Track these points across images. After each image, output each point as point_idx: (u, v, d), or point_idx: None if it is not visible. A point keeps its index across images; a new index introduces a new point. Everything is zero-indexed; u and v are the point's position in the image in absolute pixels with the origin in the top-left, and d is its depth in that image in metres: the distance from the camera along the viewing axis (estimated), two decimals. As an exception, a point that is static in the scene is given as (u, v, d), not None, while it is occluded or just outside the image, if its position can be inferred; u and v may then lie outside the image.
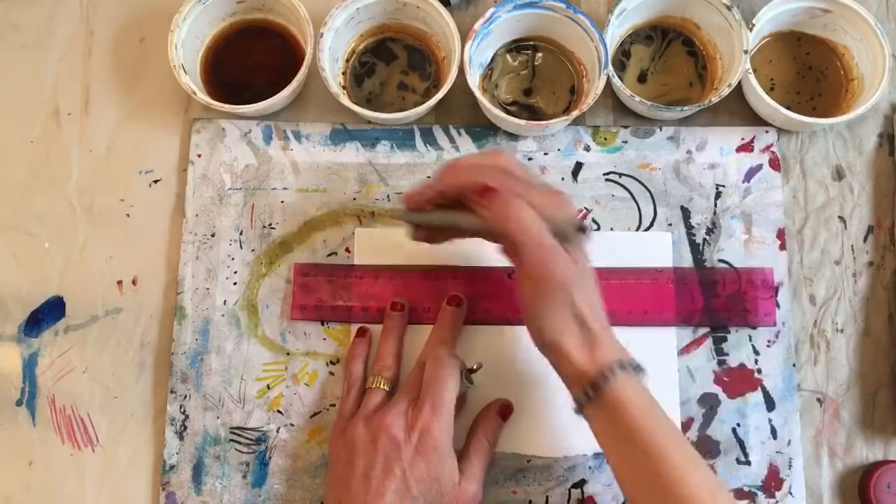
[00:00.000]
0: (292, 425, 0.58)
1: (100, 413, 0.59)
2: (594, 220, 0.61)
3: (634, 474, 0.48)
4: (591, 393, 0.48)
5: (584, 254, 0.50)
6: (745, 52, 0.59)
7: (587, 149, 0.63)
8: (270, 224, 0.61)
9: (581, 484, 0.57)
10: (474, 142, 0.63)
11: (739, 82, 0.61)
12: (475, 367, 0.55)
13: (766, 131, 0.63)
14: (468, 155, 0.54)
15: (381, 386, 0.55)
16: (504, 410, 0.56)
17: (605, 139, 0.63)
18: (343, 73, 0.64)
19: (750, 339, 0.59)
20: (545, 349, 0.50)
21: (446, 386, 0.52)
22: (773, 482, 0.57)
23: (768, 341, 0.59)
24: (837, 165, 0.63)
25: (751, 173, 0.62)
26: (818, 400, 0.59)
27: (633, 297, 0.60)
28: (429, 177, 0.62)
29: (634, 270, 0.60)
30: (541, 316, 0.49)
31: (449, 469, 0.51)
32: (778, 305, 0.60)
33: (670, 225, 0.61)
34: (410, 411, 0.52)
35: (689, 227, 0.61)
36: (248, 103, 0.59)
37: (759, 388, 0.59)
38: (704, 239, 0.61)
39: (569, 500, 0.57)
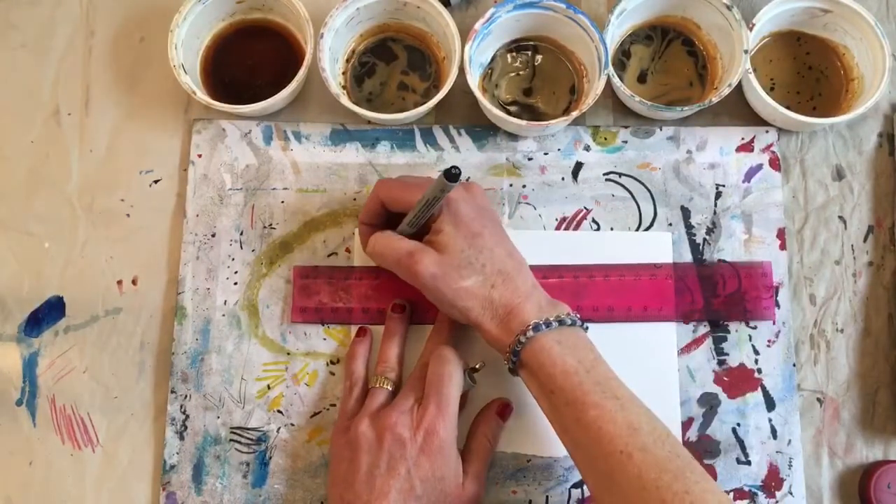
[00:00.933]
0: (293, 425, 0.58)
1: (100, 413, 0.59)
2: (594, 220, 0.61)
3: (562, 425, 0.49)
4: (514, 359, 0.51)
5: (456, 227, 0.52)
6: (746, 51, 0.59)
7: (587, 149, 0.63)
8: (271, 224, 0.61)
9: (581, 484, 0.57)
10: (474, 142, 0.63)
11: (739, 82, 0.61)
12: (478, 365, 0.55)
13: (766, 131, 0.63)
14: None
15: (385, 386, 0.55)
16: (503, 410, 0.56)
17: (605, 139, 0.63)
18: (343, 73, 0.64)
19: (750, 339, 0.59)
20: (476, 331, 0.53)
21: (451, 384, 0.52)
22: (773, 482, 0.57)
23: (768, 341, 0.59)
24: (837, 165, 0.63)
25: (751, 173, 0.62)
26: (818, 400, 0.59)
27: (632, 293, 0.60)
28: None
29: (633, 266, 0.60)
30: (444, 308, 0.53)
31: (453, 469, 0.51)
32: (778, 305, 0.60)
33: (670, 225, 0.61)
34: (415, 410, 0.52)
35: (689, 227, 0.61)
36: (248, 103, 0.59)
37: (759, 388, 0.59)
38: (704, 239, 0.61)
39: (569, 500, 0.57)
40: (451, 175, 0.47)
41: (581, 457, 0.49)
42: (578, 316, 0.52)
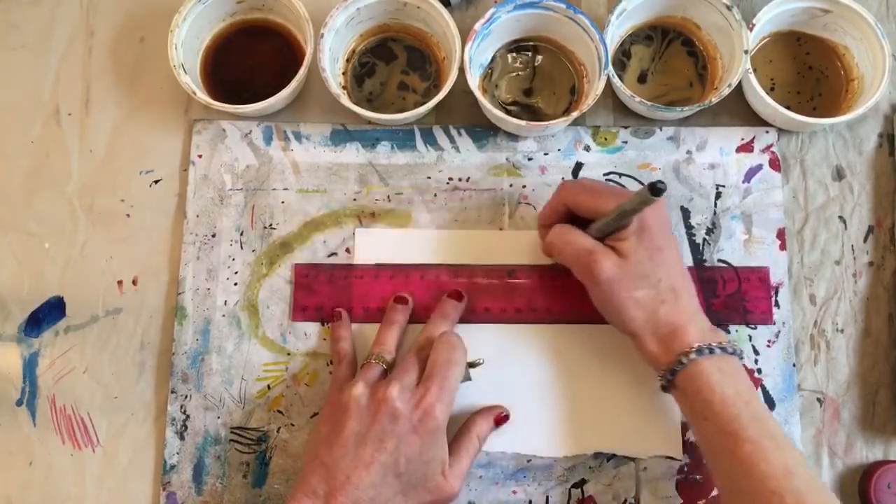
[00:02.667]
0: (293, 425, 0.58)
1: (100, 413, 0.59)
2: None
3: (713, 451, 0.50)
4: (669, 378, 0.51)
5: (641, 239, 0.51)
6: (746, 52, 0.59)
7: (587, 149, 0.63)
8: (271, 224, 0.61)
9: (581, 484, 0.57)
10: (474, 142, 0.63)
11: (739, 82, 0.61)
12: (477, 361, 0.55)
13: (767, 131, 0.63)
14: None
15: (380, 363, 0.54)
16: (501, 420, 0.56)
17: (606, 139, 0.63)
18: (343, 74, 0.64)
19: (750, 339, 0.59)
20: (631, 342, 0.53)
21: (455, 371, 0.52)
22: (773, 482, 0.57)
23: (768, 341, 0.59)
24: (837, 165, 0.63)
25: (751, 173, 0.62)
26: (818, 400, 0.59)
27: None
28: (452, 179, 0.62)
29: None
30: (610, 316, 0.53)
31: (440, 455, 0.51)
32: (778, 305, 0.60)
33: (670, 225, 0.61)
34: (417, 388, 0.51)
35: (689, 227, 0.61)
36: (248, 103, 0.59)
37: (759, 388, 0.59)
38: (704, 239, 0.61)
39: (569, 500, 0.57)
40: (656, 189, 0.46)
41: (727, 485, 0.49)
42: (737, 346, 0.51)
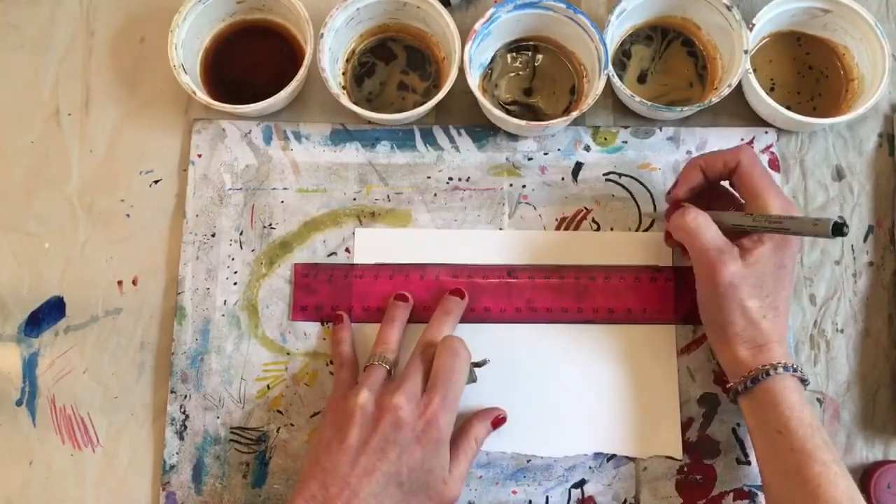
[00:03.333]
0: (292, 425, 0.58)
1: (100, 413, 0.59)
2: (594, 221, 0.61)
3: (778, 468, 0.50)
4: (749, 385, 0.51)
5: (776, 253, 0.52)
6: (745, 52, 0.59)
7: (587, 149, 0.63)
8: (270, 224, 0.61)
9: (581, 484, 0.57)
10: (474, 142, 0.63)
11: (739, 82, 0.61)
12: (483, 361, 0.55)
13: (766, 132, 0.63)
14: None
15: (383, 364, 0.54)
16: (499, 422, 0.56)
17: (606, 139, 0.63)
18: (343, 74, 0.64)
19: (750, 339, 0.59)
20: (714, 342, 0.54)
21: (460, 378, 0.52)
22: (773, 482, 0.57)
23: (768, 341, 0.59)
24: (837, 165, 0.63)
25: (751, 173, 0.62)
26: (818, 400, 0.59)
27: (632, 295, 0.60)
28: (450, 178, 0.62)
29: (634, 269, 0.60)
30: (711, 314, 0.53)
31: (442, 463, 0.50)
32: (778, 305, 0.60)
33: (670, 225, 0.61)
34: (422, 397, 0.51)
35: (689, 227, 0.61)
36: (248, 103, 0.59)
37: (759, 388, 0.59)
38: (704, 239, 0.61)
39: (569, 500, 0.57)
40: (838, 229, 0.46)
41: (786, 498, 0.50)
42: (808, 378, 0.53)
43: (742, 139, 0.63)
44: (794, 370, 0.51)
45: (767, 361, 0.51)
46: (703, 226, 0.52)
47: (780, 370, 0.51)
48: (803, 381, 0.52)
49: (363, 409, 0.50)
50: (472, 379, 0.55)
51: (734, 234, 0.53)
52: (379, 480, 0.48)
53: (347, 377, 0.55)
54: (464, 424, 0.55)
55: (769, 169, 0.62)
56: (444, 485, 0.50)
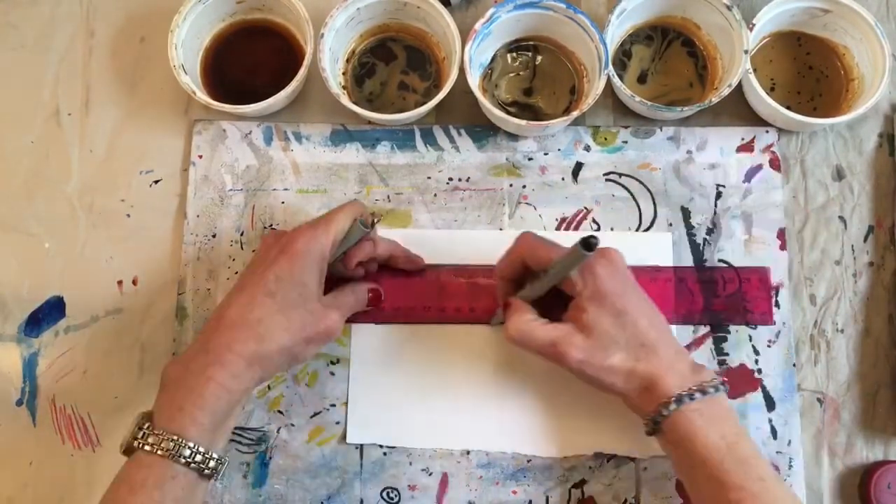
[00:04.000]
0: (293, 425, 0.58)
1: (100, 413, 0.59)
2: (594, 221, 0.61)
3: (702, 500, 0.49)
4: (654, 428, 0.51)
5: (601, 307, 0.50)
6: (746, 52, 0.59)
7: (587, 149, 0.63)
8: (271, 225, 0.61)
9: (581, 484, 0.57)
10: (474, 142, 0.63)
11: (740, 82, 0.61)
12: (376, 218, 0.54)
13: (767, 131, 0.63)
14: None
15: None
16: (375, 294, 0.57)
17: (606, 139, 0.63)
18: (343, 74, 0.64)
19: (750, 339, 0.59)
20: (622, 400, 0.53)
21: (334, 214, 0.52)
22: (773, 482, 0.57)
23: (768, 341, 0.59)
24: (837, 165, 0.63)
25: (751, 173, 0.62)
26: (818, 400, 0.59)
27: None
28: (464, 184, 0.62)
29: (634, 269, 0.60)
30: (590, 383, 0.52)
31: (314, 282, 0.51)
32: (778, 305, 0.60)
33: (670, 225, 0.61)
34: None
35: (689, 227, 0.61)
36: (248, 103, 0.59)
37: (759, 388, 0.59)
38: (705, 239, 0.61)
39: (569, 500, 0.57)
40: (588, 244, 0.46)
41: None
42: (722, 380, 0.51)
43: (742, 139, 0.63)
44: (691, 396, 0.49)
45: (658, 401, 0.49)
46: (525, 328, 0.51)
47: (672, 405, 0.49)
48: (706, 391, 0.49)
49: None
50: (366, 228, 0.53)
51: (558, 306, 0.52)
52: (247, 292, 0.50)
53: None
54: (349, 284, 0.56)
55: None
56: (319, 305, 0.51)
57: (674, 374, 0.50)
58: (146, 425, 0.47)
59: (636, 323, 0.51)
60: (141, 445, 0.47)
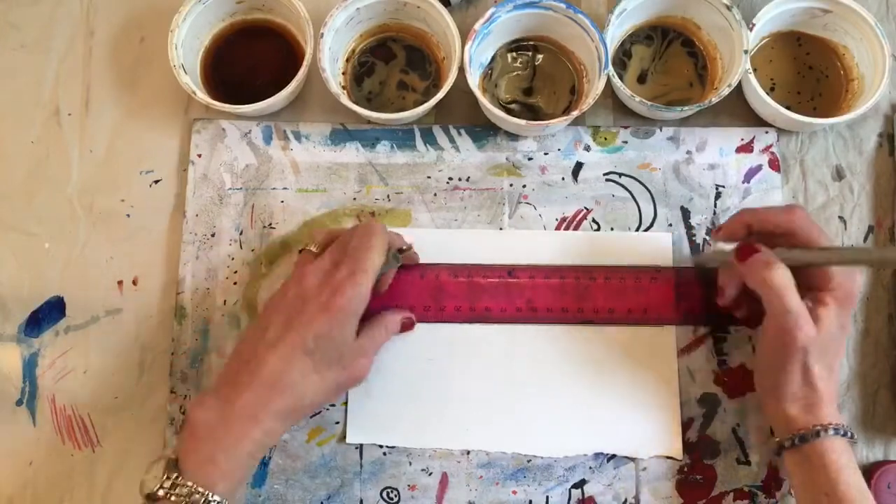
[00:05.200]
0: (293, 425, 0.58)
1: (100, 413, 0.59)
2: (594, 221, 0.61)
3: None
4: (797, 442, 0.51)
5: (840, 314, 0.51)
6: (746, 52, 0.59)
7: (587, 149, 0.63)
8: (270, 224, 0.61)
9: (581, 484, 0.57)
10: (474, 142, 0.63)
11: (739, 82, 0.61)
12: (405, 247, 0.54)
13: (766, 132, 0.63)
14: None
15: (311, 248, 0.54)
16: (408, 324, 0.57)
17: (606, 139, 0.63)
18: (343, 73, 0.64)
19: (750, 340, 0.59)
20: (764, 393, 0.53)
21: (370, 255, 0.50)
22: (773, 482, 0.57)
23: (768, 341, 0.59)
24: (837, 165, 0.63)
25: (751, 174, 0.62)
26: (818, 400, 0.59)
27: (632, 295, 0.60)
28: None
29: (634, 269, 0.60)
30: (772, 372, 0.52)
31: (350, 333, 0.50)
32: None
33: (670, 225, 0.61)
34: (331, 271, 0.51)
35: (689, 227, 0.61)
36: (248, 103, 0.59)
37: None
38: (704, 239, 0.61)
39: (569, 500, 0.57)
40: None
41: None
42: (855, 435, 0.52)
43: (742, 139, 0.63)
44: (845, 433, 0.50)
45: (819, 421, 0.50)
46: (788, 286, 0.50)
47: (831, 432, 0.50)
48: (852, 441, 0.51)
49: (276, 293, 0.52)
50: (397, 262, 0.53)
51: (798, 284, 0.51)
52: (285, 349, 0.48)
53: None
54: (379, 316, 0.55)
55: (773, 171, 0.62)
56: (351, 355, 0.50)
57: (833, 406, 0.51)
58: (175, 475, 0.46)
59: (841, 347, 0.52)
60: (169, 496, 0.46)
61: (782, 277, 0.50)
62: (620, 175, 0.62)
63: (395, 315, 0.56)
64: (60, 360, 0.59)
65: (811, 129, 0.63)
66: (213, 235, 0.61)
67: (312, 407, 0.51)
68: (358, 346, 0.51)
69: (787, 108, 0.60)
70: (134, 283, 0.61)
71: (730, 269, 0.55)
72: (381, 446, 0.58)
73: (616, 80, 0.60)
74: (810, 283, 0.52)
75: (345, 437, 0.58)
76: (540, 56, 0.64)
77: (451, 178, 0.62)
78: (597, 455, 0.58)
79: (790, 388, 0.51)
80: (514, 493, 0.57)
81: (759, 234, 0.53)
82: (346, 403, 0.58)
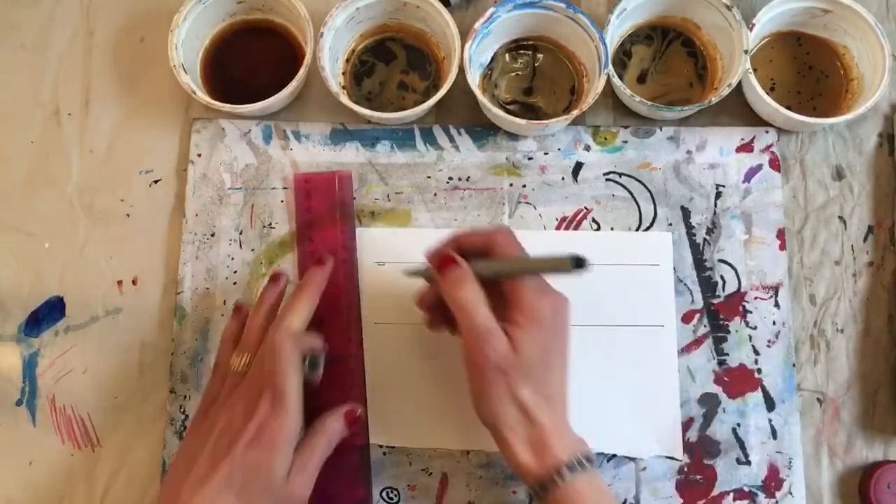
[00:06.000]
0: (292, 425, 0.58)
1: (100, 413, 0.59)
2: (594, 220, 0.61)
3: None
4: (540, 493, 0.48)
5: (549, 338, 0.49)
6: (746, 52, 0.59)
7: (587, 148, 0.63)
8: (270, 224, 0.61)
9: (581, 484, 0.57)
10: (474, 142, 0.63)
11: (739, 82, 0.61)
12: (317, 351, 0.53)
13: (766, 131, 0.63)
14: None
15: (240, 368, 0.52)
16: (353, 419, 0.52)
17: (606, 139, 0.63)
18: (343, 73, 0.64)
19: (750, 339, 0.59)
20: (493, 434, 0.49)
21: (285, 379, 0.48)
22: (773, 482, 0.57)
23: (768, 341, 0.59)
24: (837, 165, 0.63)
25: (751, 173, 0.62)
26: (818, 400, 0.59)
27: (632, 294, 0.60)
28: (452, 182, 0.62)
29: (634, 269, 0.60)
30: (480, 400, 0.49)
31: (281, 462, 0.48)
32: (778, 305, 0.60)
33: (670, 225, 0.61)
34: (253, 400, 0.49)
35: (689, 227, 0.61)
36: (248, 103, 0.59)
37: (759, 388, 0.59)
38: (704, 239, 0.61)
39: (569, 500, 0.57)
40: (579, 263, 0.45)
41: None
42: (594, 456, 0.50)
43: (742, 139, 0.63)
44: (581, 464, 0.47)
45: (551, 465, 0.47)
46: (477, 302, 0.48)
47: (567, 473, 0.47)
48: (592, 463, 0.48)
49: (201, 425, 0.50)
50: (314, 368, 0.52)
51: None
52: (210, 490, 0.46)
53: (212, 393, 0.53)
54: (317, 421, 0.52)
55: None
56: (286, 483, 0.48)
57: (564, 438, 0.48)
58: None
59: (555, 371, 0.49)
60: None
61: (470, 292, 0.48)
62: (620, 175, 0.62)
63: (334, 418, 0.52)
64: (60, 360, 0.59)
65: (811, 129, 0.63)
66: (212, 235, 0.61)
67: None
68: (294, 472, 0.48)
69: (787, 107, 0.60)
70: (134, 283, 0.61)
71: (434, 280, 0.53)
72: (381, 446, 0.58)
73: (616, 80, 0.60)
74: (507, 304, 0.49)
75: (345, 437, 0.58)
76: (540, 56, 0.64)
77: (451, 178, 0.62)
78: (597, 455, 0.58)
79: (507, 423, 0.48)
80: (514, 492, 0.57)
81: (468, 255, 0.51)
82: (345, 403, 0.58)
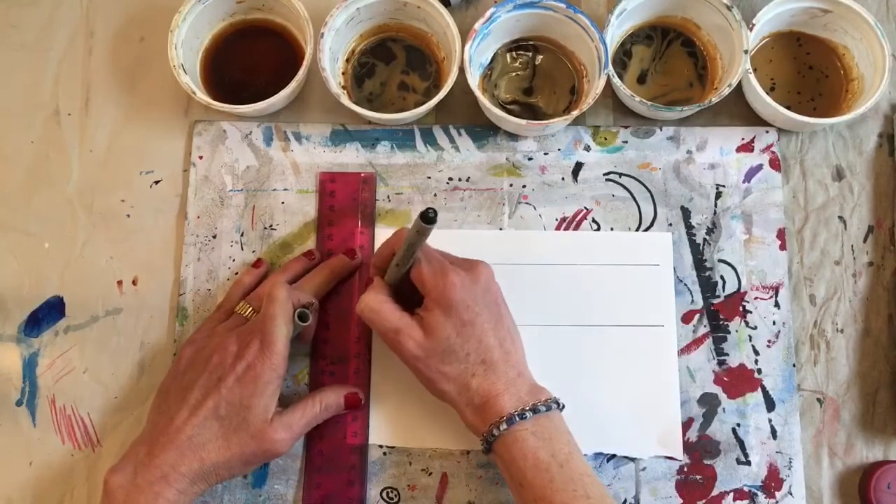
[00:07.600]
0: (293, 425, 0.58)
1: (100, 413, 0.59)
2: (594, 220, 0.61)
3: None
4: (487, 448, 0.51)
5: (463, 310, 0.51)
6: (746, 52, 0.59)
7: (587, 149, 0.63)
8: (271, 225, 0.61)
9: (581, 484, 0.57)
10: (474, 142, 0.63)
11: (739, 82, 0.61)
12: (307, 305, 0.54)
13: (767, 131, 0.63)
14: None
15: (245, 313, 0.56)
16: (352, 400, 0.56)
17: (606, 139, 0.63)
18: (343, 74, 0.64)
19: (750, 339, 0.59)
20: (456, 408, 0.53)
21: (276, 325, 0.52)
22: (773, 482, 0.57)
23: (768, 341, 0.59)
24: (837, 165, 0.63)
25: (751, 173, 0.62)
26: (818, 400, 0.59)
27: (632, 294, 0.60)
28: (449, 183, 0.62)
29: (634, 269, 0.60)
30: (426, 387, 0.53)
31: (264, 404, 0.51)
32: (778, 305, 0.60)
33: (670, 225, 0.61)
34: (246, 341, 0.52)
35: (689, 227, 0.61)
36: (248, 103, 0.59)
37: (759, 388, 0.59)
38: (704, 239, 0.61)
39: (569, 500, 0.57)
40: (427, 217, 0.47)
41: None
42: (556, 399, 0.52)
43: (742, 139, 0.63)
44: (522, 415, 0.50)
45: (490, 421, 0.50)
46: (374, 306, 0.52)
47: (504, 425, 0.49)
48: (539, 410, 0.50)
49: (202, 353, 0.53)
50: (303, 322, 0.53)
51: (414, 302, 0.53)
52: (202, 414, 0.50)
53: (211, 326, 0.57)
54: (317, 390, 0.55)
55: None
56: (265, 425, 0.51)
57: (510, 395, 0.51)
58: None
59: (481, 339, 0.52)
60: None
61: (372, 302, 0.52)
62: (620, 175, 0.62)
63: (334, 392, 0.55)
64: (60, 360, 0.59)
65: (811, 129, 0.63)
66: (214, 237, 0.61)
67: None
68: (277, 422, 0.52)
69: (787, 108, 0.60)
70: (134, 283, 0.61)
71: None
72: (381, 446, 0.58)
73: (616, 80, 0.60)
74: (422, 293, 0.53)
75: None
76: (540, 56, 0.64)
77: (451, 179, 0.62)
78: (597, 455, 0.58)
79: (450, 397, 0.52)
80: (515, 493, 0.57)
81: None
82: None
